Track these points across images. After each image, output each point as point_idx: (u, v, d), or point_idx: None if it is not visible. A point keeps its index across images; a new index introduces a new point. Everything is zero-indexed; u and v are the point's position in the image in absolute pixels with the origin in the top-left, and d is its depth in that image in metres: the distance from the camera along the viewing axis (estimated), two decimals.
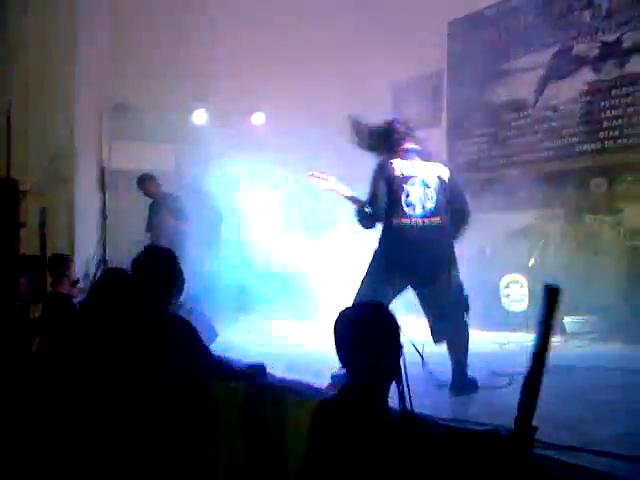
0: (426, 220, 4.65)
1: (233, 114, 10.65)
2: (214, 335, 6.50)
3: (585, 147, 8.58)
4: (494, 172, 9.64)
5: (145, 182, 8.91)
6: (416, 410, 3.80)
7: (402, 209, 4.65)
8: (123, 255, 9.42)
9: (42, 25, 12.20)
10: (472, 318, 5.38)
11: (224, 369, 3.78)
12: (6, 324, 6.18)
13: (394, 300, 4.76)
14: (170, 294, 3.61)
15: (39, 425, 4.13)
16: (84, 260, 9.34)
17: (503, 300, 7.69)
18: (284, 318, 8.11)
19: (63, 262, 6.44)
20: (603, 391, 4.55)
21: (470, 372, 4.73)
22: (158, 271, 3.56)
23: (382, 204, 4.67)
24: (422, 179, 4.70)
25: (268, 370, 4.17)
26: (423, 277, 4.69)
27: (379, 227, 4.85)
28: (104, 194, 10.28)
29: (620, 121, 8.23)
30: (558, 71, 8.99)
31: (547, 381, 4.84)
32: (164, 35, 10.45)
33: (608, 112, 8.36)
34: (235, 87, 10.41)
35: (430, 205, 4.67)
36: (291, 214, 8.57)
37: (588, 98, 8.61)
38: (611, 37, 8.36)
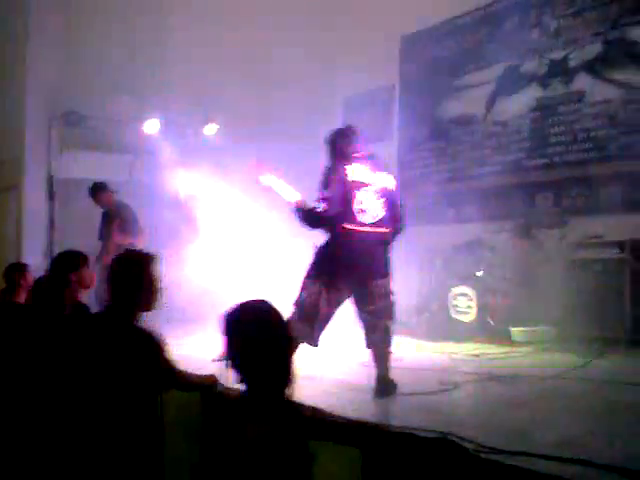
0: (374, 228, 4.78)
1: (186, 124, 10.62)
2: None
3: (532, 162, 8.75)
4: (444, 185, 9.77)
5: (96, 191, 8.72)
6: (368, 418, 3.88)
7: (353, 215, 4.74)
8: None
9: None
10: (421, 327, 5.46)
11: (180, 380, 3.75)
12: None
13: (337, 306, 4.90)
14: (139, 300, 3.45)
15: None
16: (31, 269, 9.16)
17: (451, 311, 7.79)
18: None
19: (18, 270, 6.27)
20: (548, 398, 4.66)
21: (421, 380, 4.87)
22: (128, 274, 3.46)
23: (337, 206, 4.73)
24: (374, 188, 4.82)
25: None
26: (360, 280, 4.81)
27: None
28: (52, 203, 10.12)
29: (566, 137, 8.42)
30: (507, 87, 9.16)
31: (496, 389, 4.96)
32: (117, 42, 10.37)
33: (555, 128, 8.55)
34: (188, 97, 10.38)
35: (380, 214, 4.80)
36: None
37: (536, 114, 8.79)
38: (558, 55, 8.56)
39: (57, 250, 9.76)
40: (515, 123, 9.00)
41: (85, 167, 10.13)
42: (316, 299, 4.80)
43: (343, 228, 4.76)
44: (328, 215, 4.73)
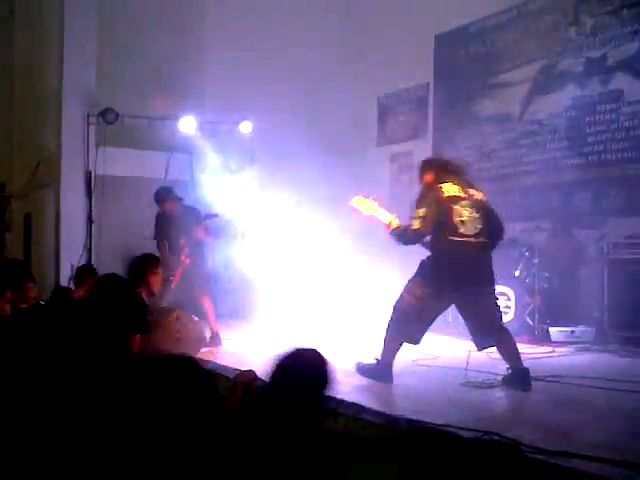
0: (476, 239, 5.13)
1: (221, 122, 10.68)
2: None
3: (569, 161, 8.67)
4: (480, 184, 9.67)
5: (165, 198, 7.64)
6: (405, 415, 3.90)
7: (455, 227, 5.05)
8: (109, 260, 9.49)
9: (29, 27, 12.20)
10: (458, 326, 5.45)
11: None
12: None
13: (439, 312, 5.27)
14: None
15: None
16: (69, 265, 9.30)
17: None
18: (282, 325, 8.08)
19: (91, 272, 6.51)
20: (590, 399, 4.63)
21: (459, 378, 4.87)
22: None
23: (432, 223, 5.05)
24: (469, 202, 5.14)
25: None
26: (466, 288, 5.07)
27: None
28: (90, 199, 10.23)
29: (603, 136, 8.33)
30: (544, 86, 9.09)
31: (535, 389, 4.93)
32: (152, 41, 10.47)
33: (592, 127, 8.47)
34: (223, 95, 10.46)
35: (480, 227, 5.13)
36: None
37: (573, 113, 8.72)
38: (596, 54, 8.48)
39: (95, 246, 9.94)
40: (552, 122, 8.92)
41: (121, 164, 10.24)
42: (421, 303, 5.01)
43: (446, 240, 5.01)
44: (421, 232, 5.03)
